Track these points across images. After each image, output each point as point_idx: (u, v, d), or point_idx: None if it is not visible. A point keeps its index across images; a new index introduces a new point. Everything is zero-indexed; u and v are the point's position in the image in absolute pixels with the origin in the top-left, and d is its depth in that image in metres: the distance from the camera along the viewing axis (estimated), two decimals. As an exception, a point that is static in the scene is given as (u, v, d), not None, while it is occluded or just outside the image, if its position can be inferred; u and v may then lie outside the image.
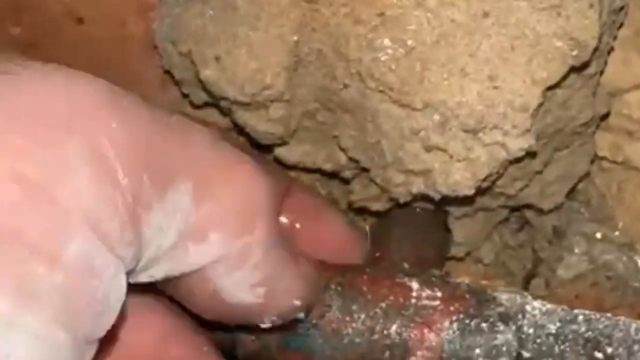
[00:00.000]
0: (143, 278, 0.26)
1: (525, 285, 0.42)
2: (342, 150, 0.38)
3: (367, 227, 0.42)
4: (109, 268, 0.23)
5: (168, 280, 0.27)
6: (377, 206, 0.40)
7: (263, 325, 0.31)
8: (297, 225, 0.37)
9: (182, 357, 0.31)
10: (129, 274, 0.24)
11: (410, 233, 0.40)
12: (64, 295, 0.22)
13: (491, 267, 0.43)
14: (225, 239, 0.26)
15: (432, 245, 0.40)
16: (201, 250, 0.26)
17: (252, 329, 0.33)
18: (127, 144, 0.23)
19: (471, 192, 0.35)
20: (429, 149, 0.35)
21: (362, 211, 0.41)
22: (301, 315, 0.32)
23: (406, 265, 0.37)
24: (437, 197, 0.36)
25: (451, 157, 0.35)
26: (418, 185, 0.36)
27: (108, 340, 0.26)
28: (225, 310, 0.29)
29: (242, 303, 0.28)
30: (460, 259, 0.42)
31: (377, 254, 0.39)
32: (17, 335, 0.21)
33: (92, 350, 0.23)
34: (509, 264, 0.43)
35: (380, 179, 0.37)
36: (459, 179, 0.35)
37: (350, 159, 0.38)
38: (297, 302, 0.30)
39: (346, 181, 0.41)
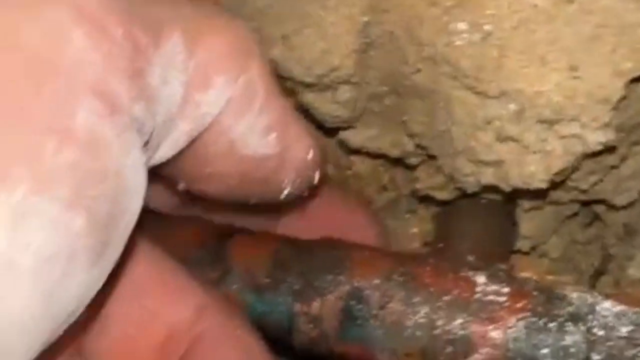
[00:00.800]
0: (168, 150, 0.26)
1: (593, 282, 0.41)
2: (410, 136, 0.37)
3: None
4: (121, 139, 0.22)
5: (185, 155, 0.27)
6: (442, 195, 0.38)
7: (285, 193, 0.31)
8: None
9: (219, 325, 0.31)
10: (149, 148, 0.24)
11: (476, 225, 0.39)
12: (76, 175, 0.21)
13: (558, 263, 0.41)
14: (227, 80, 0.27)
15: (497, 238, 0.39)
16: (209, 98, 0.26)
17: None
18: (109, 2, 0.23)
19: (544, 185, 0.33)
20: (502, 139, 0.33)
21: (426, 199, 0.40)
22: (316, 177, 0.32)
23: (471, 258, 0.36)
24: (507, 189, 0.34)
25: (525, 148, 0.33)
26: (488, 176, 0.34)
27: None
28: (244, 169, 0.29)
29: (258, 154, 0.29)
30: (525, 253, 0.41)
31: (441, 245, 0.38)
32: (34, 223, 0.20)
33: (115, 247, 0.23)
34: (576, 260, 0.41)
35: (449, 168, 0.36)
36: (533, 172, 0.33)
37: (418, 145, 0.37)
38: (310, 155, 0.30)
39: (411, 168, 0.40)
